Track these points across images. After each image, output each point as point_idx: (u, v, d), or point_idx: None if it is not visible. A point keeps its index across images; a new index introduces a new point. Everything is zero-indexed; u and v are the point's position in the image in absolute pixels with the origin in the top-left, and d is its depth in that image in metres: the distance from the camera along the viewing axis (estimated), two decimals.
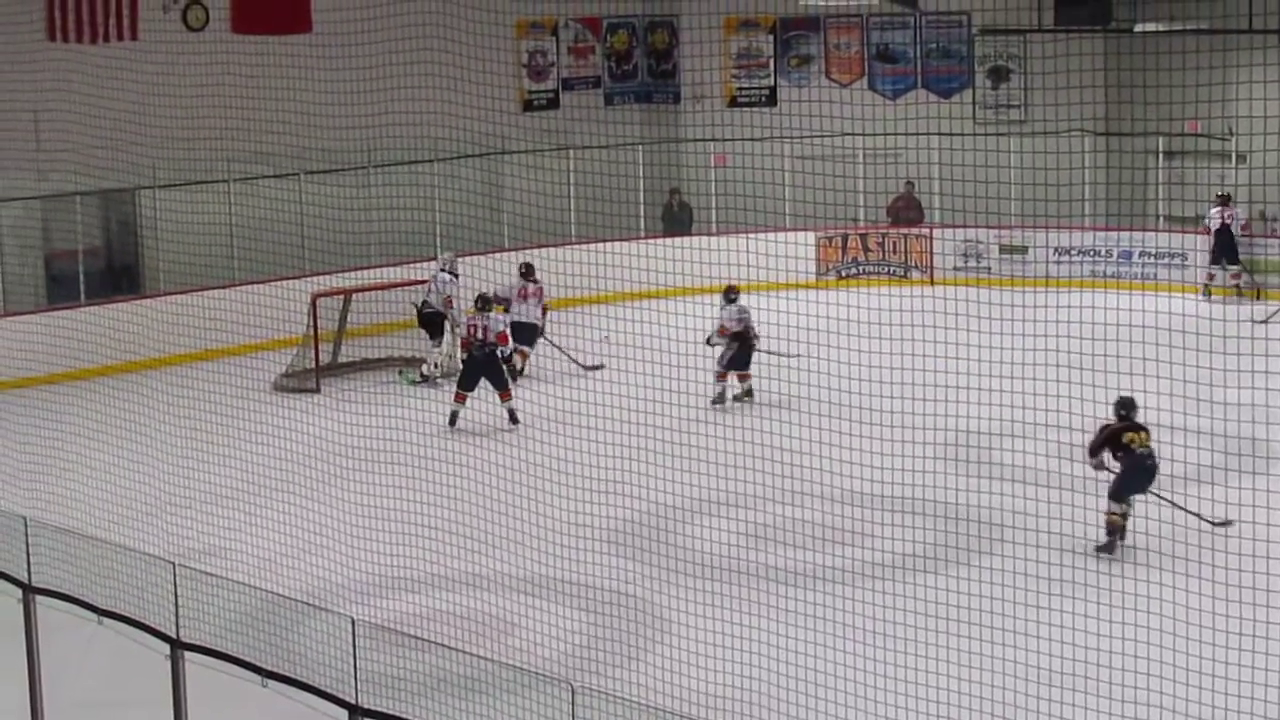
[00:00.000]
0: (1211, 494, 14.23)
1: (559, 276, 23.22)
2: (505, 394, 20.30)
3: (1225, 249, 26.75)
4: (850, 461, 14.89)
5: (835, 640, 12.77)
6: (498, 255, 24.19)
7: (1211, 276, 26.83)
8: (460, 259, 23.45)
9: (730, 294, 21.43)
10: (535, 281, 23.54)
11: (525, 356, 23.20)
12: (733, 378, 21.30)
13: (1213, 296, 26.27)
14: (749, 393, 21.24)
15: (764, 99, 30.96)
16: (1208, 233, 26.89)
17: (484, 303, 20.60)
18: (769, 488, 15.60)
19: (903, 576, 14.54)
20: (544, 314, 23.51)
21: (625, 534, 15.96)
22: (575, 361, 22.90)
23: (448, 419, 20.33)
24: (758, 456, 15.38)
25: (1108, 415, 15.76)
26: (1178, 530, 13.52)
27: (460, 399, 20.47)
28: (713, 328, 21.24)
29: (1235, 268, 26.84)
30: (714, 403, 21.01)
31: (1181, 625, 12.09)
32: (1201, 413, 15.71)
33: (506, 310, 22.01)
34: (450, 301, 22.84)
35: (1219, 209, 26.65)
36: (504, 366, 20.51)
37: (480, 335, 20.35)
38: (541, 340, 23.31)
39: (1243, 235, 26.81)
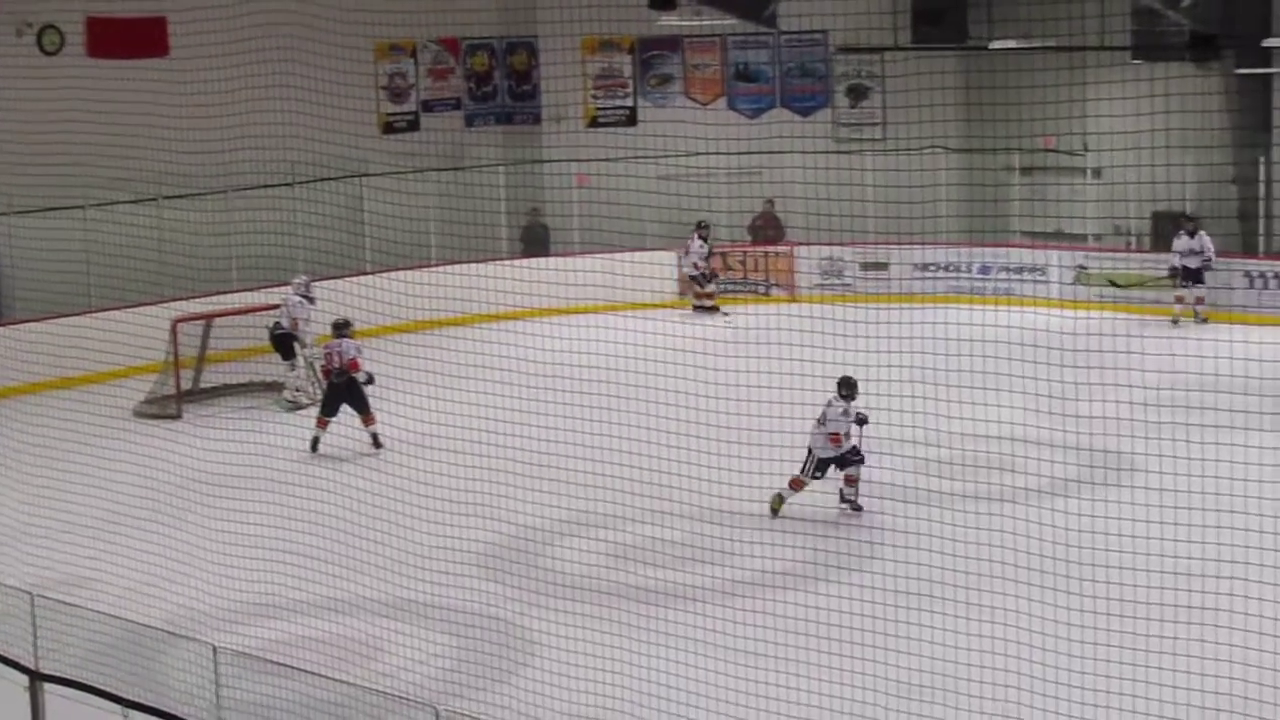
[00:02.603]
0: (1066, 506, 14.42)
1: (418, 300, 23.18)
2: (368, 418, 20.22)
3: (1193, 273, 25.96)
4: (713, 480, 14.97)
5: (701, 659, 12.84)
6: (358, 279, 24.08)
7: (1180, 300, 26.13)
8: (318, 283, 23.32)
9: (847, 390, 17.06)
10: (703, 236, 28.04)
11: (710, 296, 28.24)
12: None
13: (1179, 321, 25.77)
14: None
15: (624, 119, 31.08)
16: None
17: (339, 329, 20.46)
18: (632, 508, 15.65)
19: (766, 594, 14.62)
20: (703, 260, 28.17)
21: (490, 556, 15.96)
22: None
23: (309, 444, 20.23)
24: (620, 477, 15.41)
25: (963, 430, 15.96)
26: (1033, 544, 13.69)
27: (322, 424, 20.38)
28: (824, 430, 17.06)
29: (1200, 290, 25.97)
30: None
31: (1038, 637, 12.26)
32: (1057, 425, 15.97)
33: None
34: (297, 324, 22.76)
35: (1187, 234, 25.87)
36: (363, 390, 20.34)
37: (336, 362, 20.26)
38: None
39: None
